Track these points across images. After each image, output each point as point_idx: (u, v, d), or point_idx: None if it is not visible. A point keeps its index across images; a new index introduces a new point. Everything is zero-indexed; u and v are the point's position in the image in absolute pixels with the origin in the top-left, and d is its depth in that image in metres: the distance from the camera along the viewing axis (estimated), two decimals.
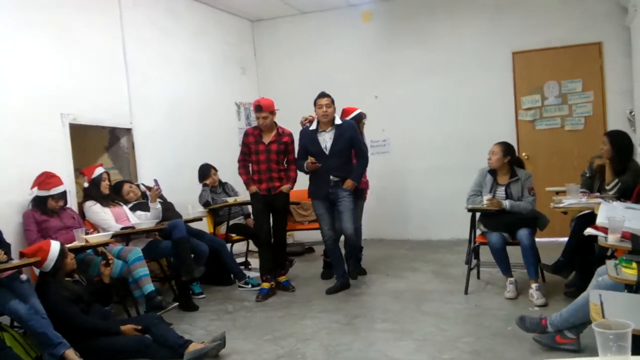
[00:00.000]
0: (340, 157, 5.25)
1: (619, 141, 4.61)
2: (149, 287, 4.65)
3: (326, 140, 5.27)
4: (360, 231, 5.83)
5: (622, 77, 6.72)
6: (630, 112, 6.57)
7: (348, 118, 5.62)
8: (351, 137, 5.26)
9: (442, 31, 7.57)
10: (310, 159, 5.23)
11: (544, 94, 7.15)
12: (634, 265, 2.64)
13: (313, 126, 5.33)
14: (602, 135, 5.30)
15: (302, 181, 5.61)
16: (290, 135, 5.45)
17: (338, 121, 5.30)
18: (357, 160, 5.36)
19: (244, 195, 6.19)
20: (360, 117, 5.79)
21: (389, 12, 7.74)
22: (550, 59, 7.10)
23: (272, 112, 5.33)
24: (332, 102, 5.24)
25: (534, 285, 4.56)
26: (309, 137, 5.33)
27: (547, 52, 7.10)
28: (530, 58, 7.19)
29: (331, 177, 5.22)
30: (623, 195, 4.37)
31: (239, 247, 6.56)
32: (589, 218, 4.06)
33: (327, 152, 5.25)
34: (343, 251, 5.55)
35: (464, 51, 7.45)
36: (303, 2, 7.73)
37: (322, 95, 5.25)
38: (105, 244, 4.57)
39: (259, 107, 5.29)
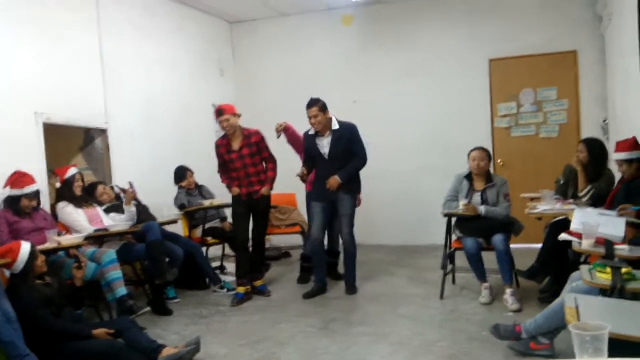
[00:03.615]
0: (340, 161, 5.19)
1: (596, 148, 4.71)
2: (122, 290, 4.57)
3: (324, 145, 5.24)
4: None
5: (597, 86, 6.83)
6: (604, 121, 6.67)
7: None
8: (349, 140, 5.22)
9: (421, 36, 7.62)
10: (302, 170, 5.22)
11: (519, 101, 7.24)
12: (608, 270, 2.67)
13: (312, 131, 5.29)
14: (576, 143, 5.39)
15: (279, 185, 5.58)
16: (257, 133, 5.34)
17: (335, 126, 5.23)
18: (352, 161, 5.26)
19: (220, 198, 6.14)
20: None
21: (368, 16, 7.77)
22: (526, 66, 7.19)
23: (235, 115, 5.25)
24: (322, 108, 5.15)
25: (508, 291, 4.59)
26: (310, 143, 5.32)
27: (524, 60, 7.18)
28: (506, 65, 7.28)
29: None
30: (596, 202, 4.44)
31: (215, 250, 6.50)
32: (563, 224, 4.11)
33: (326, 157, 5.22)
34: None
35: (443, 56, 7.50)
36: (283, 4, 7.71)
37: (309, 105, 5.18)
38: (78, 246, 4.49)
39: (220, 111, 5.23)
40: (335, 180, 5.16)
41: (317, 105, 5.14)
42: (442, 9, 7.51)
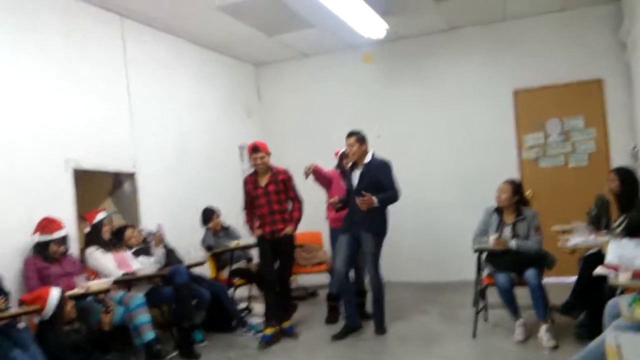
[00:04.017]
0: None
1: (627, 177, 4.61)
2: (150, 334, 4.55)
3: (356, 177, 5.26)
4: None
5: (624, 113, 6.71)
6: (634, 148, 6.54)
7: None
8: (376, 177, 5.17)
9: (442, 69, 7.62)
10: (333, 199, 5.30)
11: (546, 131, 7.15)
12: None
13: (350, 163, 5.36)
14: (606, 172, 5.29)
15: (305, 224, 5.55)
16: (285, 172, 5.40)
17: (367, 159, 5.25)
18: (386, 190, 5.18)
19: (246, 239, 6.13)
20: (342, 155, 5.80)
21: (389, 52, 7.81)
22: (551, 96, 7.11)
23: (268, 153, 5.36)
24: (359, 139, 5.21)
25: (543, 327, 4.45)
26: (347, 173, 5.41)
27: (549, 90, 7.12)
28: (531, 96, 7.21)
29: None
30: (631, 232, 4.29)
31: (242, 291, 6.45)
32: (597, 257, 4.00)
33: (354, 190, 5.22)
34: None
35: (466, 89, 7.48)
36: (305, 45, 7.82)
37: (348, 135, 5.27)
38: (106, 291, 4.50)
39: (255, 148, 5.32)
40: (370, 199, 5.03)
41: (355, 136, 5.24)
42: (462, 42, 7.51)
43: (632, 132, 6.60)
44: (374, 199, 5.05)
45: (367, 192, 5.07)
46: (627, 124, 6.67)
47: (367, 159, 5.24)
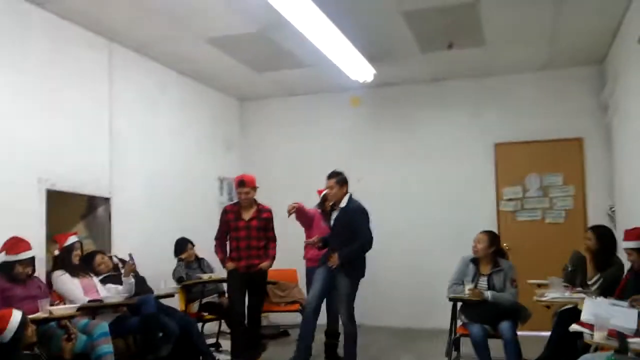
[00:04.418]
0: (339, 239, 5.08)
1: (604, 236, 4.65)
2: None
3: (332, 219, 5.21)
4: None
5: (603, 173, 6.83)
6: (611, 208, 6.62)
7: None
8: (349, 222, 5.10)
9: (426, 119, 7.72)
10: (311, 240, 5.26)
11: (525, 185, 7.23)
12: None
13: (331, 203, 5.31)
14: (582, 229, 5.34)
15: (280, 260, 5.48)
16: (270, 211, 5.39)
17: (343, 203, 5.16)
18: (355, 240, 5.08)
19: (219, 272, 6.02)
20: (324, 198, 5.72)
21: (375, 97, 7.89)
22: (531, 152, 7.23)
23: (254, 188, 5.33)
24: (339, 182, 5.13)
25: None
26: (327, 214, 5.33)
27: (529, 145, 7.24)
28: (512, 150, 7.32)
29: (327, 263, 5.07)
30: (605, 291, 4.32)
31: (211, 326, 6.30)
32: (572, 313, 4.00)
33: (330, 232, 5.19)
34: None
35: (447, 140, 7.57)
36: (292, 84, 7.87)
37: (329, 176, 5.20)
38: (70, 317, 4.35)
39: (241, 182, 5.27)
40: (334, 259, 5.00)
41: (335, 178, 5.16)
42: (446, 93, 7.64)
43: (610, 192, 6.70)
44: (335, 257, 4.98)
45: (340, 235, 5.06)
46: (606, 184, 6.79)
47: (344, 202, 5.16)
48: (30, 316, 3.95)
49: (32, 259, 4.47)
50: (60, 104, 5.34)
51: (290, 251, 5.80)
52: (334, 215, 5.20)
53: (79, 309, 4.48)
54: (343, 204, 5.16)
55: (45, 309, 4.16)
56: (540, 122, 7.15)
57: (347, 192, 5.19)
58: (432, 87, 7.71)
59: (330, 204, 5.27)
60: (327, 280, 5.11)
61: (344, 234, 5.08)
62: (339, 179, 5.15)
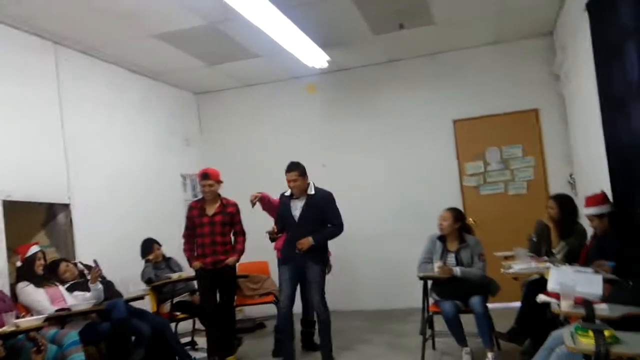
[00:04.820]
0: (309, 226, 5.04)
1: (566, 204, 4.73)
2: None
3: (297, 208, 5.12)
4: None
5: (560, 142, 6.95)
6: (571, 176, 6.76)
7: None
8: (323, 209, 5.11)
9: (383, 100, 7.73)
10: (272, 228, 5.12)
11: (486, 159, 7.32)
12: (590, 333, 2.58)
13: (288, 192, 5.18)
14: (545, 199, 5.42)
15: (252, 253, 5.45)
16: (235, 205, 5.33)
17: (311, 191, 5.14)
18: (326, 225, 5.13)
19: (188, 270, 5.95)
20: None
21: (332, 82, 7.87)
22: (490, 125, 7.31)
23: (218, 181, 5.26)
24: (301, 173, 5.07)
25: (489, 355, 4.48)
26: (283, 204, 5.20)
27: (487, 119, 7.31)
28: (471, 125, 7.39)
29: (296, 249, 5.02)
30: (570, 258, 4.41)
31: (185, 325, 6.24)
32: (539, 283, 4.07)
33: (295, 220, 5.09)
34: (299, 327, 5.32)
35: (406, 119, 7.60)
36: (247, 75, 7.79)
37: (288, 169, 5.09)
38: (38, 328, 4.24)
39: (205, 175, 5.21)
40: (307, 241, 4.98)
41: (296, 170, 5.07)
42: (402, 74, 7.66)
43: (569, 160, 6.83)
44: (310, 240, 4.98)
45: (310, 222, 5.03)
46: (564, 153, 6.91)
47: (311, 190, 5.15)
48: None
49: None
50: (8, 112, 5.16)
51: (260, 243, 5.75)
52: (298, 203, 5.14)
53: (47, 319, 4.37)
54: (311, 191, 5.14)
55: (11, 322, 4.05)
56: (496, 96, 7.23)
57: (308, 182, 5.17)
58: (387, 68, 7.72)
59: (296, 195, 5.17)
60: (295, 277, 5.11)
61: (315, 221, 5.07)
62: (300, 170, 5.09)
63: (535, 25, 6.80)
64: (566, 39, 6.14)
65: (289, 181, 5.08)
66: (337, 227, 5.17)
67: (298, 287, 5.22)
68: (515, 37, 7.10)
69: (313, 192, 5.14)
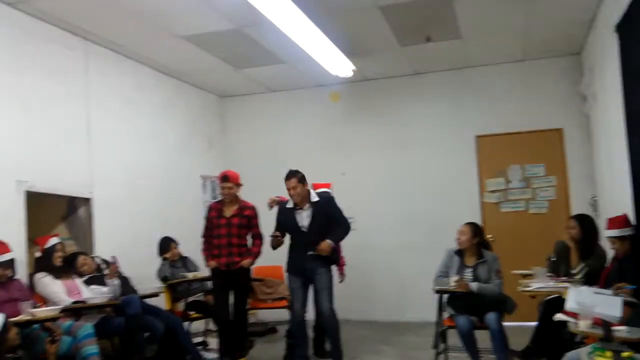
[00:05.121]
0: (319, 233, 5.06)
1: (587, 224, 4.69)
2: None
3: (304, 218, 5.12)
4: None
5: (584, 163, 6.89)
6: (593, 197, 6.69)
7: None
8: (327, 213, 5.14)
9: (407, 112, 7.73)
10: (274, 233, 5.12)
11: (507, 177, 7.27)
12: (608, 353, 2.55)
13: (290, 204, 5.18)
14: (565, 220, 5.37)
15: (267, 257, 5.45)
16: (253, 209, 5.34)
17: (314, 197, 5.16)
18: (336, 227, 5.15)
19: (204, 270, 5.98)
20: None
21: (355, 92, 7.89)
22: (513, 143, 7.27)
23: (238, 184, 5.29)
24: (301, 180, 5.07)
25: None
26: (287, 215, 5.19)
27: (510, 137, 7.27)
28: (493, 142, 7.35)
29: (309, 252, 5.03)
30: (589, 279, 4.36)
31: (197, 325, 6.26)
32: (557, 302, 4.02)
33: (305, 230, 5.09)
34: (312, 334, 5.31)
35: (429, 132, 7.59)
36: (272, 81, 7.85)
37: (287, 177, 5.09)
38: (53, 319, 4.29)
39: (225, 177, 5.24)
40: (327, 244, 4.99)
41: (295, 177, 5.05)
42: (426, 87, 7.66)
43: (591, 182, 6.76)
44: (329, 243, 5.00)
45: (321, 228, 5.05)
46: (586, 174, 6.84)
47: (314, 197, 5.16)
48: (13, 319, 3.90)
49: (11, 261, 4.41)
50: (36, 105, 5.25)
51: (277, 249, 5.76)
52: (304, 213, 5.13)
53: (63, 310, 4.42)
54: (314, 198, 5.15)
55: (27, 312, 4.10)
56: (521, 114, 7.20)
57: (308, 188, 5.17)
58: (411, 80, 7.72)
59: (297, 202, 5.16)
60: (306, 286, 5.14)
61: (324, 227, 5.09)
62: (300, 177, 5.08)
63: (563, 44, 6.76)
64: (595, 59, 6.09)
65: (289, 189, 5.08)
66: (346, 227, 5.22)
67: (310, 294, 5.23)
68: (542, 55, 7.06)
69: (317, 198, 5.16)
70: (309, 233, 5.08)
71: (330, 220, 5.14)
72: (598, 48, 5.86)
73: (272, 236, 5.16)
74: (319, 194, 5.23)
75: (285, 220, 5.19)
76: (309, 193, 5.15)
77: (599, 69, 5.89)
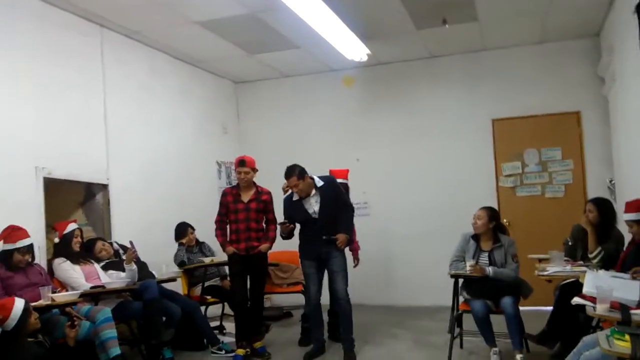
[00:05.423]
0: (330, 217, 5.12)
1: (605, 208, 4.64)
2: (115, 350, 4.38)
3: (313, 205, 5.16)
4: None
5: (601, 146, 6.81)
6: (610, 181, 6.62)
7: None
8: (336, 195, 5.20)
9: (422, 97, 7.68)
10: (284, 221, 5.18)
11: (524, 161, 7.21)
12: (627, 337, 2.54)
13: (295, 196, 5.21)
14: (582, 204, 5.32)
15: (282, 242, 5.48)
16: (269, 193, 5.36)
17: (319, 182, 5.20)
18: (343, 213, 5.21)
19: (220, 255, 6.02)
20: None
21: (369, 76, 7.85)
22: (529, 126, 7.20)
23: (254, 169, 5.29)
24: (300, 175, 5.07)
25: (518, 357, 4.41)
26: (294, 207, 5.22)
27: (527, 120, 7.20)
28: (510, 125, 7.29)
29: (324, 237, 5.08)
30: (607, 263, 4.32)
31: (214, 310, 6.32)
32: (573, 287, 3.99)
33: (316, 217, 5.14)
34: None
35: (444, 117, 7.54)
36: (286, 66, 7.82)
37: (286, 175, 5.12)
38: (72, 304, 4.35)
39: (242, 162, 5.24)
40: (344, 237, 5.08)
41: (294, 175, 5.08)
42: (442, 70, 7.59)
43: (609, 165, 6.69)
44: (345, 235, 5.09)
45: (332, 213, 5.11)
46: (604, 157, 6.77)
47: (319, 183, 5.19)
48: (33, 304, 3.96)
49: (31, 246, 4.46)
50: (54, 92, 5.28)
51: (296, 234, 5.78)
52: (311, 200, 5.17)
53: (81, 295, 4.48)
54: (319, 183, 5.19)
55: (47, 296, 4.17)
56: (537, 97, 7.12)
57: (309, 179, 5.17)
58: (427, 64, 7.66)
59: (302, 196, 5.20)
60: (320, 271, 5.22)
61: (333, 210, 5.15)
62: (298, 174, 5.08)
63: (581, 26, 6.65)
64: (613, 41, 6.00)
65: (292, 187, 5.13)
66: (350, 210, 5.32)
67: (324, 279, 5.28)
68: (560, 37, 6.96)
69: (321, 183, 5.19)
70: (321, 218, 5.12)
71: (339, 202, 5.19)
72: (617, 29, 5.76)
73: (281, 224, 5.20)
74: (324, 178, 5.26)
75: (294, 212, 5.23)
76: (313, 181, 5.18)
77: (618, 51, 5.80)
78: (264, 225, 5.37)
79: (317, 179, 5.22)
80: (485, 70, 7.39)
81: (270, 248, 5.33)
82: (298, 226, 5.34)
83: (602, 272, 3.86)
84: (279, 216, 5.47)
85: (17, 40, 4.95)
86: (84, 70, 5.71)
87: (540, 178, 7.14)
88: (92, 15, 5.64)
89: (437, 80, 7.62)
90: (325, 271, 5.25)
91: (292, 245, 6.12)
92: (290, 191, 5.37)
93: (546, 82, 7.11)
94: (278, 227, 5.28)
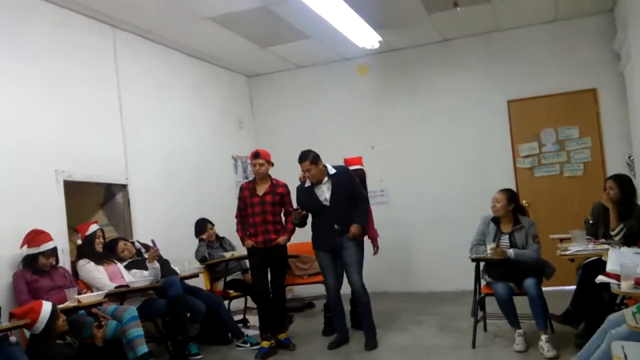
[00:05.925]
0: (342, 205, 5.11)
1: (626, 185, 4.59)
2: (143, 348, 4.45)
3: (324, 192, 5.17)
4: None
5: (619, 123, 6.72)
6: (630, 157, 6.53)
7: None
8: (348, 183, 5.17)
9: (436, 81, 7.63)
10: (297, 210, 5.17)
11: (541, 141, 7.15)
12: None
13: (308, 183, 5.22)
14: (601, 181, 5.26)
15: (301, 233, 5.49)
16: (285, 186, 5.37)
17: (332, 170, 5.20)
18: (357, 204, 5.20)
19: (241, 249, 6.05)
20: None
21: (383, 63, 7.82)
22: (545, 106, 7.12)
23: (269, 162, 5.29)
24: (313, 160, 5.09)
25: (543, 337, 4.40)
26: (306, 194, 5.23)
27: (543, 100, 7.13)
28: (525, 106, 7.22)
29: (335, 226, 5.10)
30: (629, 240, 4.28)
31: (237, 303, 6.37)
32: (596, 265, 3.96)
33: (327, 204, 5.14)
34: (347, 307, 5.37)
35: (459, 101, 7.48)
36: (298, 57, 7.81)
37: (300, 159, 5.12)
38: (98, 304, 4.42)
39: (256, 154, 5.26)
40: (356, 228, 5.07)
41: (307, 159, 5.08)
42: (455, 53, 7.53)
43: (627, 141, 6.60)
44: (358, 227, 5.06)
45: (342, 202, 5.08)
46: (622, 133, 6.68)
47: (331, 170, 5.19)
48: (60, 306, 4.03)
49: (54, 249, 4.53)
50: (69, 94, 5.32)
51: (310, 223, 5.80)
52: (323, 187, 5.17)
53: (107, 295, 4.55)
54: (331, 171, 5.19)
55: (73, 298, 4.23)
56: (553, 76, 7.04)
57: (322, 166, 5.18)
58: (440, 48, 7.60)
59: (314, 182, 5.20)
60: (336, 262, 5.21)
61: (346, 198, 5.13)
62: (312, 158, 5.09)
63: (595, 2, 6.55)
64: (628, 16, 5.89)
65: (303, 171, 5.14)
66: (365, 201, 5.29)
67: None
68: (574, 14, 6.87)
69: (334, 171, 5.19)
70: (332, 206, 5.12)
71: (351, 190, 5.17)
72: (632, 4, 5.65)
73: (293, 210, 5.20)
74: (337, 167, 5.26)
75: (306, 199, 5.23)
76: (325, 169, 5.18)
77: (632, 26, 5.70)
78: (282, 217, 5.39)
79: (330, 168, 5.23)
80: (499, 52, 7.32)
81: (288, 240, 5.34)
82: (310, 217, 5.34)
83: (624, 248, 3.82)
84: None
85: (35, 45, 5.02)
86: (100, 72, 5.76)
87: (558, 157, 7.08)
88: (104, 16, 5.68)
89: (451, 64, 7.56)
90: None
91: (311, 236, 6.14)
92: (306, 180, 5.39)
93: (561, 60, 7.03)
94: (293, 210, 5.27)
